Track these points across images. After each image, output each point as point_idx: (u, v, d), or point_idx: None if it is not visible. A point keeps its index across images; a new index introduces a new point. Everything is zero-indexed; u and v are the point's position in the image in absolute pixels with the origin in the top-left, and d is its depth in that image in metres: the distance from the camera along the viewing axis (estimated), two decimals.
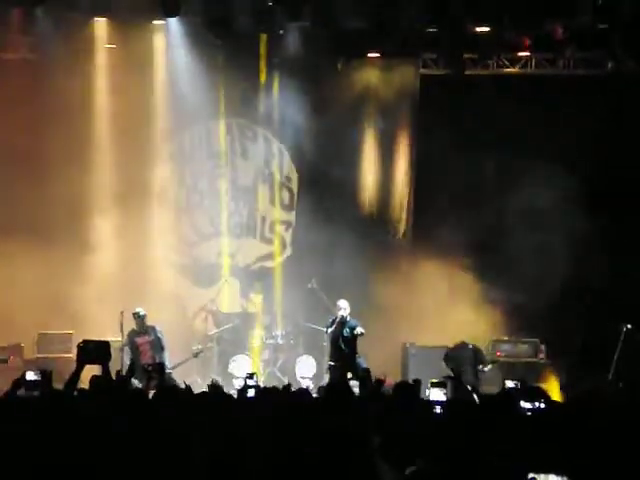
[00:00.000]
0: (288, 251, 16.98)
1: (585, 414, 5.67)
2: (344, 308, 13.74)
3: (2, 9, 14.40)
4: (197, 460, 5.62)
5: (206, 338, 15.54)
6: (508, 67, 16.41)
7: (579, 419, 5.60)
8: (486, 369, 14.07)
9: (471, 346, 14.21)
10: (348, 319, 13.71)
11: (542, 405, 6.85)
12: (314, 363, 15.36)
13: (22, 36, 15.38)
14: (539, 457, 5.27)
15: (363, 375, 9.59)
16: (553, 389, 13.69)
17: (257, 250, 16.95)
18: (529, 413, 6.76)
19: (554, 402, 7.14)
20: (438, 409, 7.75)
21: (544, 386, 11.55)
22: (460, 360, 13.94)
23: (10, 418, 6.07)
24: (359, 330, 13.49)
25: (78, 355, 7.02)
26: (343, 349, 13.68)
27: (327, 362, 14.19)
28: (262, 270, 16.86)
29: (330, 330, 13.79)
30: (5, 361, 13.81)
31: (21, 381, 7.53)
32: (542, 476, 4.48)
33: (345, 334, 13.68)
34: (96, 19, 15.24)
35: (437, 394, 8.54)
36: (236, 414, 6.57)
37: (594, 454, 5.20)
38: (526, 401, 6.88)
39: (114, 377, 7.72)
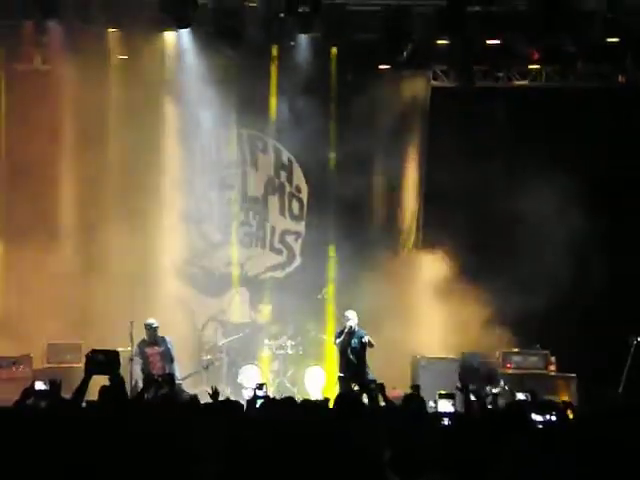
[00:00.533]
0: (297, 261, 16.98)
1: (598, 428, 5.65)
2: (352, 319, 13.74)
3: (15, 21, 14.45)
4: (205, 471, 5.62)
5: (215, 348, 15.53)
6: (518, 79, 16.43)
7: (593, 433, 5.58)
8: (495, 390, 13.97)
9: (482, 360, 14.17)
10: (356, 329, 13.69)
11: (553, 418, 6.82)
12: (324, 374, 15.34)
13: (35, 47, 15.47)
14: (551, 470, 5.25)
15: (370, 387, 9.57)
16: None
17: (266, 260, 16.95)
18: (540, 426, 6.73)
19: (566, 415, 7.11)
20: (446, 421, 7.74)
21: (556, 399, 11.52)
22: (473, 375, 13.87)
23: (19, 427, 6.08)
24: (367, 338, 13.49)
25: (86, 365, 7.02)
26: (351, 360, 13.67)
27: (337, 373, 14.17)
28: (271, 280, 16.86)
29: (338, 341, 13.79)
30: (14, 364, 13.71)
31: (30, 391, 7.55)
32: None
33: (353, 345, 13.67)
34: (108, 30, 15.28)
35: (445, 405, 8.52)
36: (245, 424, 6.56)
37: (607, 468, 5.18)
38: (537, 414, 6.85)
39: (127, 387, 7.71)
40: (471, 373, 13.89)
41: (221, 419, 6.48)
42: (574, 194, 14.82)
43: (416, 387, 9.23)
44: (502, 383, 14.05)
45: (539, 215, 14.90)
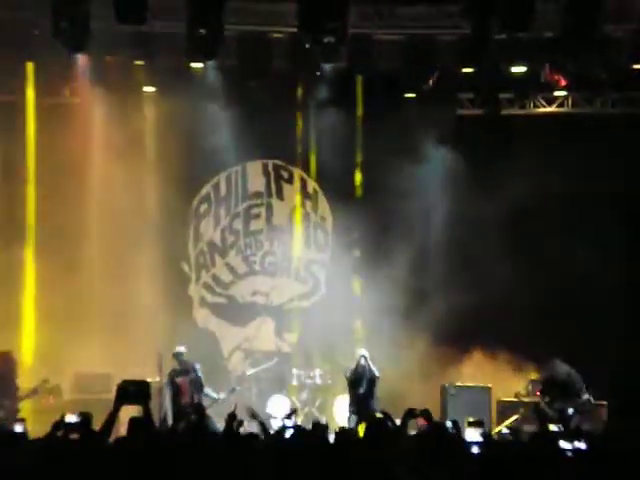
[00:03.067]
0: (322, 290, 16.98)
1: (628, 456, 5.60)
2: (364, 354, 13.91)
3: (43, 54, 14.63)
4: None
5: (243, 378, 15.52)
6: (545, 107, 16.41)
7: (622, 460, 5.53)
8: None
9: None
10: (368, 364, 13.83)
11: (583, 446, 6.76)
12: None
13: (63, 80, 15.66)
14: None
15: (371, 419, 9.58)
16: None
17: (291, 289, 17.00)
18: (570, 454, 6.67)
19: (596, 443, 7.04)
20: (475, 449, 7.69)
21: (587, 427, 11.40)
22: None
23: (50, 460, 6.10)
24: (376, 372, 13.71)
25: (117, 395, 7.01)
26: (362, 394, 13.80)
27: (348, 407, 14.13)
28: (297, 309, 16.89)
29: (350, 375, 13.92)
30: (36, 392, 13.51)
31: (61, 423, 7.53)
32: None
33: (366, 379, 13.82)
34: (136, 62, 15.44)
35: (473, 434, 8.48)
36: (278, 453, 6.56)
37: None
38: (566, 441, 6.79)
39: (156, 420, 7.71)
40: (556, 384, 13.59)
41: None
42: (605, 218, 14.80)
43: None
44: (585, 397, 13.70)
45: (567, 244, 14.89)
